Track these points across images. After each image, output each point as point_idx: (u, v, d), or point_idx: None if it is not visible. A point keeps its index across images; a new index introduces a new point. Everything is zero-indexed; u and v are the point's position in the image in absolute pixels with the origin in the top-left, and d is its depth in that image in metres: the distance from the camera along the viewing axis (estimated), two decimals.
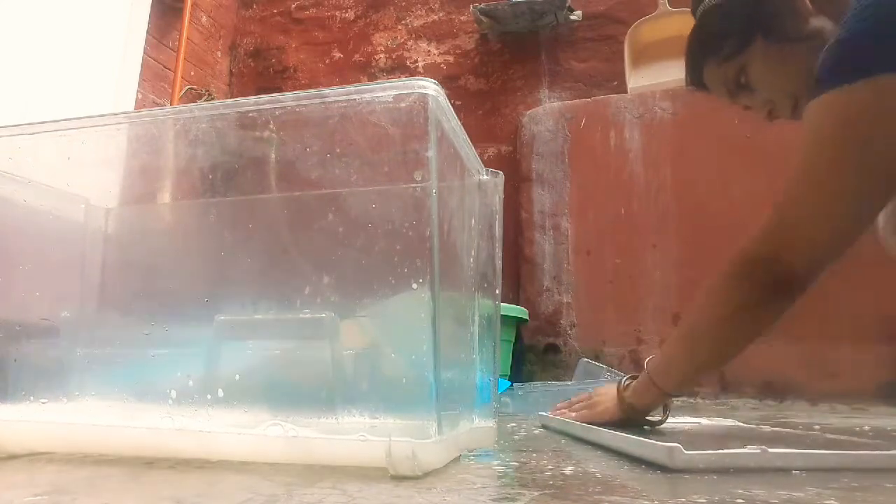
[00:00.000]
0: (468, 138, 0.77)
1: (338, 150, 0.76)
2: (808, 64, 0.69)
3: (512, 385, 1.48)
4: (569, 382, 1.41)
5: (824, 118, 0.67)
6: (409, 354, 0.68)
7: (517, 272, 1.92)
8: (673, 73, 1.92)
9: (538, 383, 1.44)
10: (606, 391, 0.92)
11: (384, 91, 0.66)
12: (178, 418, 0.66)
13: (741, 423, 1.02)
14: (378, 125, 0.68)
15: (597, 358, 1.69)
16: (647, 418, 0.88)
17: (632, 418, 0.87)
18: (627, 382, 0.89)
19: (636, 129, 1.84)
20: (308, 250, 0.78)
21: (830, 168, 0.67)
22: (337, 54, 2.44)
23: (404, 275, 0.64)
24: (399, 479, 0.54)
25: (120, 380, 0.78)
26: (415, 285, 0.63)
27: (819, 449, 0.66)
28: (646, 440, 0.66)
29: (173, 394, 0.69)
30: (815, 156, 0.69)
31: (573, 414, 0.93)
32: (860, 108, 0.64)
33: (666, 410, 0.89)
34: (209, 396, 0.68)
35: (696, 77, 0.87)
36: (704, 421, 1.05)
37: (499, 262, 0.87)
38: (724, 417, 1.16)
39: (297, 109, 0.70)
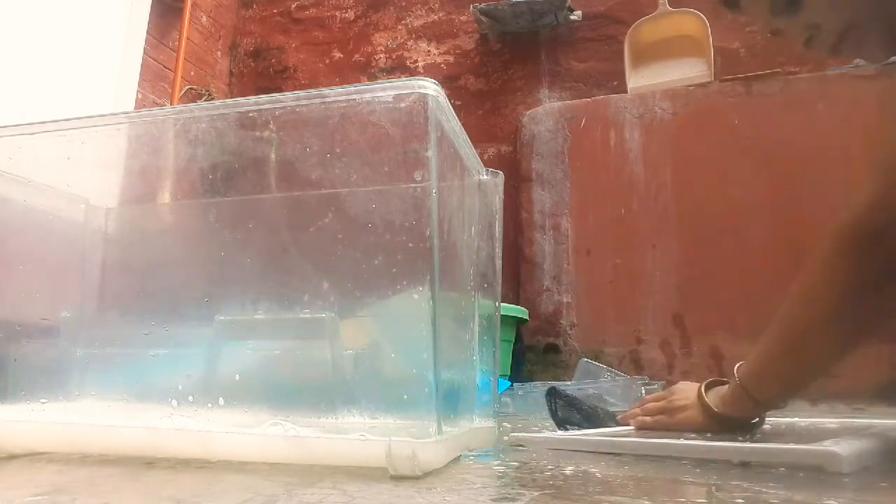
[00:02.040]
0: (468, 138, 0.77)
1: (338, 150, 0.76)
2: None
3: (512, 385, 1.48)
4: (569, 382, 1.41)
5: None
6: (409, 354, 0.68)
7: (517, 272, 1.92)
8: (673, 73, 1.92)
9: (538, 383, 1.44)
10: (685, 392, 0.80)
11: (384, 91, 0.66)
12: (178, 418, 0.66)
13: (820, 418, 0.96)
14: (378, 125, 0.68)
15: (597, 358, 1.69)
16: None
17: (720, 429, 0.75)
18: (711, 387, 0.78)
19: (636, 129, 1.84)
20: (308, 250, 0.78)
21: None
22: (337, 54, 2.44)
23: (404, 274, 0.64)
24: (399, 478, 0.54)
25: (120, 380, 0.78)
26: (415, 285, 0.63)
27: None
28: (802, 448, 0.59)
29: (173, 394, 0.69)
30: None
31: (650, 420, 0.81)
32: None
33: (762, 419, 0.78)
34: (209, 396, 0.68)
35: None
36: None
37: (499, 262, 0.87)
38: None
39: (297, 109, 0.70)
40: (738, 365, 0.76)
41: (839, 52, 0.66)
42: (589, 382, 1.33)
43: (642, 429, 0.82)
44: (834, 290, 0.65)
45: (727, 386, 0.76)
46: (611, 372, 1.41)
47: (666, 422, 0.80)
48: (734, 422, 0.75)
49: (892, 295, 0.63)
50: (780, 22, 0.72)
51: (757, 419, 0.77)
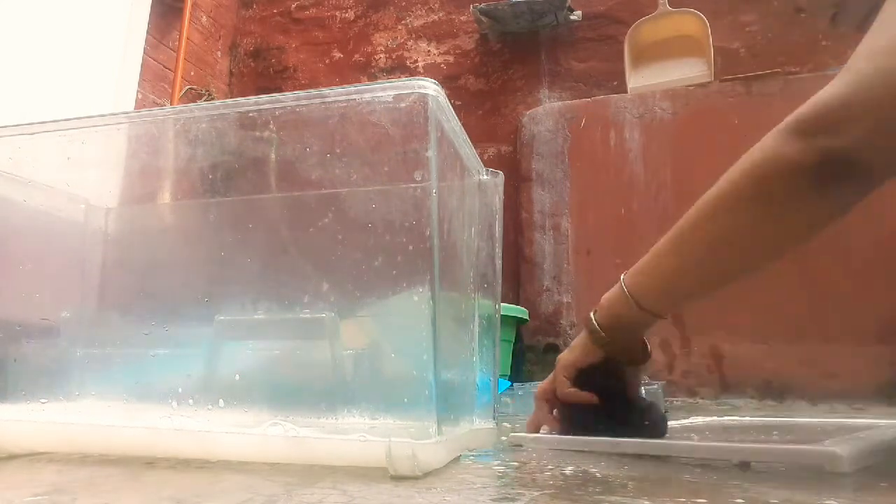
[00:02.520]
0: (468, 138, 0.77)
1: (338, 150, 0.76)
2: None
3: (512, 385, 1.48)
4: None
5: None
6: (409, 355, 0.68)
7: (517, 272, 1.92)
8: (673, 73, 1.92)
9: (538, 383, 1.44)
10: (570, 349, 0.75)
11: (384, 91, 0.66)
12: (178, 418, 0.66)
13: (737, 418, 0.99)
14: (378, 125, 0.68)
15: None
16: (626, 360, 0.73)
17: (609, 354, 0.71)
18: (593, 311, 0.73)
19: (636, 129, 1.84)
20: (308, 250, 0.78)
21: None
22: (337, 54, 2.44)
23: (404, 275, 0.64)
24: (399, 479, 0.54)
25: (120, 380, 0.78)
26: (415, 285, 0.63)
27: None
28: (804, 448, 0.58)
29: (173, 394, 0.69)
30: None
31: (548, 410, 0.77)
32: None
33: (646, 349, 0.74)
34: (209, 396, 0.68)
35: None
36: (695, 419, 0.99)
37: (499, 262, 0.87)
38: (720, 416, 1.16)
39: (297, 109, 0.70)
40: (626, 272, 0.71)
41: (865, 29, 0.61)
42: None
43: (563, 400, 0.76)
44: (755, 181, 0.60)
45: (611, 291, 0.71)
46: None
47: (560, 378, 0.74)
48: (621, 342, 0.71)
49: (828, 199, 0.58)
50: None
51: (645, 348, 0.74)
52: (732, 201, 0.62)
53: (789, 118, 0.60)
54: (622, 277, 0.71)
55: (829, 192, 0.58)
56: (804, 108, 0.59)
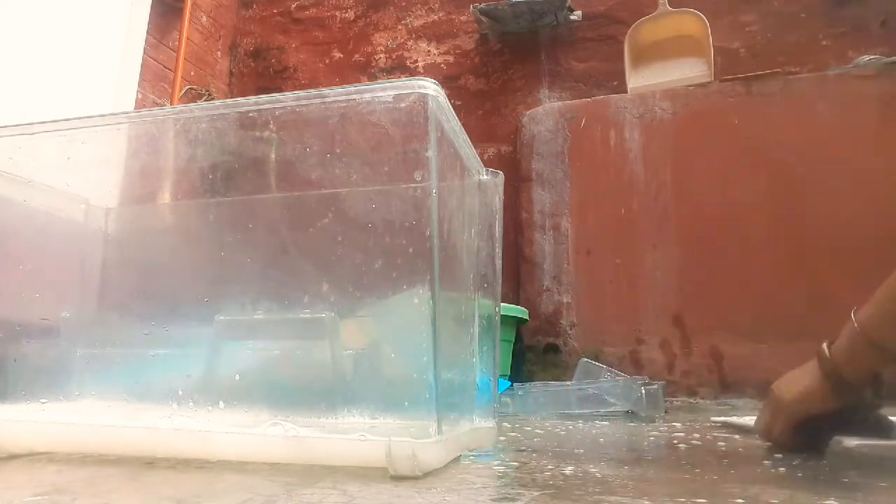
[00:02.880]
0: (468, 138, 0.77)
1: (338, 150, 0.76)
2: None
3: (512, 385, 1.48)
4: (569, 383, 1.41)
5: None
6: (409, 354, 0.68)
7: (517, 272, 1.92)
8: (673, 73, 1.92)
9: (538, 383, 1.44)
10: (789, 376, 0.70)
11: (384, 91, 0.66)
12: (178, 418, 0.66)
13: None
14: (378, 125, 0.68)
15: (597, 358, 1.69)
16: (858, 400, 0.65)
17: (843, 398, 0.64)
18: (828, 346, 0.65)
19: (636, 129, 1.84)
20: (308, 250, 0.78)
21: None
22: (337, 54, 2.44)
23: (404, 275, 0.64)
24: (399, 479, 0.54)
25: (120, 380, 0.78)
26: (415, 285, 0.63)
27: None
28: None
29: (173, 394, 0.69)
30: None
31: (767, 425, 0.71)
32: None
33: (880, 386, 0.65)
34: (209, 396, 0.68)
35: None
36: None
37: (499, 262, 0.86)
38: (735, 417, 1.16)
39: (297, 109, 0.70)
40: (855, 309, 0.65)
41: None
42: (589, 382, 1.33)
43: (773, 441, 0.72)
44: None
45: (841, 336, 0.65)
46: (611, 372, 1.41)
47: (782, 413, 0.68)
48: (856, 386, 0.64)
49: None
50: None
51: (882, 383, 0.65)
52: None
53: None
54: (853, 315, 0.65)
55: None
56: None
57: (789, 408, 0.68)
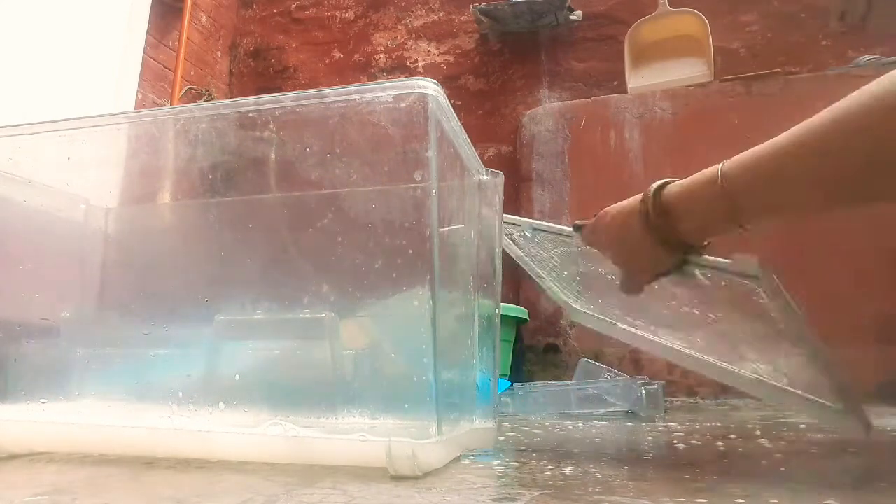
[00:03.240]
0: (468, 138, 0.77)
1: (338, 150, 0.76)
2: None
3: (512, 385, 1.48)
4: (569, 383, 1.41)
5: None
6: (409, 354, 0.68)
7: (517, 272, 1.92)
8: (673, 73, 1.92)
9: (538, 383, 1.44)
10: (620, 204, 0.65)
11: (384, 91, 0.66)
12: (178, 418, 0.66)
13: None
14: (378, 125, 0.68)
15: (597, 358, 1.69)
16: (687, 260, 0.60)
17: (649, 236, 0.60)
18: (661, 184, 0.61)
19: (636, 129, 1.84)
20: (308, 250, 0.78)
21: None
22: (337, 54, 2.44)
23: (404, 274, 0.64)
24: (399, 479, 0.54)
25: (120, 380, 0.78)
26: (415, 285, 0.63)
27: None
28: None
29: (173, 394, 0.69)
30: None
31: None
32: None
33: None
34: (209, 396, 0.68)
35: None
36: None
37: (499, 262, 0.86)
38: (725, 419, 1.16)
39: (297, 109, 0.70)
40: (725, 161, 0.60)
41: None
42: (589, 382, 1.33)
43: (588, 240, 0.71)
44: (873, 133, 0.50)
45: (695, 175, 0.60)
46: (611, 372, 1.41)
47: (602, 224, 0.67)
48: (683, 240, 0.60)
49: None
50: None
51: (696, 244, 0.62)
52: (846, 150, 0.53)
53: None
54: (721, 165, 0.60)
55: None
56: None
57: (609, 253, 0.68)
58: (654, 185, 0.63)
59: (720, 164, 0.60)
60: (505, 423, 1.04)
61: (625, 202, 0.68)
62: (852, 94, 0.53)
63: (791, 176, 0.56)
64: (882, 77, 0.52)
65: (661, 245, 0.62)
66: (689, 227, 0.61)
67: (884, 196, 0.54)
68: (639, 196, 0.65)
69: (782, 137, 0.57)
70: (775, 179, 0.57)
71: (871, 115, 0.51)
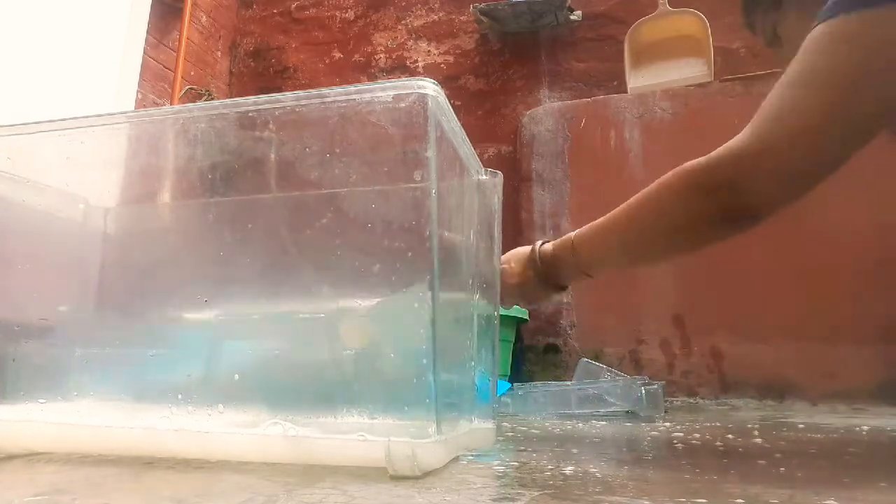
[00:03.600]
0: (467, 138, 0.77)
1: (337, 150, 0.76)
2: None
3: (512, 386, 1.48)
4: (569, 383, 1.41)
5: (825, 45, 0.64)
6: (408, 354, 0.68)
7: None
8: (673, 73, 1.92)
9: (538, 383, 1.44)
10: (517, 254, 0.90)
11: (384, 91, 0.66)
12: (178, 418, 0.66)
13: None
14: (378, 125, 0.68)
15: (597, 358, 1.69)
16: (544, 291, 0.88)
17: (537, 282, 0.86)
18: (544, 242, 0.88)
19: (636, 129, 1.84)
20: (307, 250, 0.78)
21: (821, 95, 0.64)
22: (337, 54, 2.44)
23: (404, 275, 0.64)
24: (399, 479, 0.54)
25: (119, 380, 0.78)
26: (415, 285, 0.63)
27: None
28: None
29: (172, 394, 0.69)
30: (806, 82, 0.66)
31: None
32: (860, 37, 0.61)
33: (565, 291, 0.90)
34: (208, 396, 0.68)
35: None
36: None
37: (498, 262, 0.86)
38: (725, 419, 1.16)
39: (297, 109, 0.70)
40: (576, 231, 0.85)
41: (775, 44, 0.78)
42: (589, 382, 1.33)
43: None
44: (670, 214, 0.74)
45: (561, 239, 0.86)
46: (611, 372, 1.41)
47: (507, 294, 0.90)
48: (551, 276, 0.86)
49: (721, 233, 0.73)
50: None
51: (565, 286, 0.89)
52: (651, 233, 0.78)
53: (697, 165, 0.73)
54: (572, 235, 0.86)
55: (723, 229, 0.73)
56: (711, 161, 0.71)
57: (511, 293, 0.91)
58: (537, 245, 0.89)
59: (573, 234, 0.85)
60: (504, 423, 1.04)
61: (519, 252, 0.91)
62: (651, 185, 0.76)
63: (612, 246, 0.83)
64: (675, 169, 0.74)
65: (543, 284, 0.89)
66: (556, 275, 0.87)
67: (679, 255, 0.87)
68: (527, 249, 0.89)
69: (608, 218, 0.82)
70: (602, 248, 0.83)
71: (656, 197, 0.76)
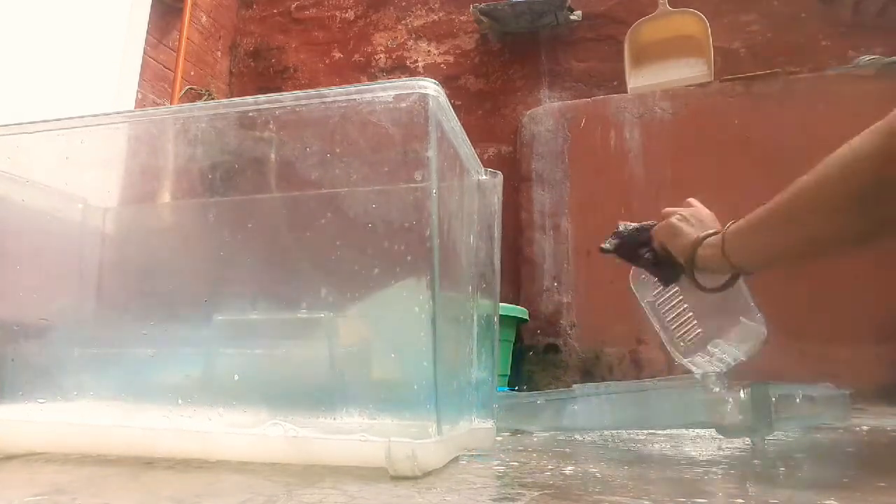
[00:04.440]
0: (467, 138, 0.77)
1: (338, 150, 0.76)
2: None
3: (514, 389, 1.47)
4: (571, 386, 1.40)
5: None
6: (408, 354, 0.68)
7: (517, 272, 1.92)
8: (673, 73, 1.92)
9: (537, 393, 1.42)
10: (702, 220, 0.85)
11: (384, 91, 0.66)
12: (178, 418, 0.66)
13: None
14: (378, 125, 0.68)
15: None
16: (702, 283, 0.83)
17: (691, 272, 0.81)
18: (708, 235, 0.80)
19: (636, 129, 1.84)
20: (307, 250, 0.78)
21: None
22: (337, 54, 2.44)
23: (404, 275, 0.64)
24: (399, 479, 0.54)
25: (118, 380, 0.78)
26: (411, 279, 0.63)
27: None
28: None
29: (172, 394, 0.69)
30: None
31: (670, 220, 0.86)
32: None
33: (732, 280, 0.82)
34: (208, 396, 0.68)
35: None
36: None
37: (497, 262, 0.86)
38: None
39: (297, 109, 0.70)
40: (731, 223, 0.79)
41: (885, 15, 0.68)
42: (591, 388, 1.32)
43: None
44: (858, 181, 0.61)
45: (714, 238, 0.80)
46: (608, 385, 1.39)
47: (671, 233, 0.85)
48: (705, 273, 0.81)
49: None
50: None
51: (726, 281, 0.82)
52: (832, 208, 0.66)
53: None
54: (727, 226, 0.79)
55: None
56: None
57: (671, 240, 0.86)
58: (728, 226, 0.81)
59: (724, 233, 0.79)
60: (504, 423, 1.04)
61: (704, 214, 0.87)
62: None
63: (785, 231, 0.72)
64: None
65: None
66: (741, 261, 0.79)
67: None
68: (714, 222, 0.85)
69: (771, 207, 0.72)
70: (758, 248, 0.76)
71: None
